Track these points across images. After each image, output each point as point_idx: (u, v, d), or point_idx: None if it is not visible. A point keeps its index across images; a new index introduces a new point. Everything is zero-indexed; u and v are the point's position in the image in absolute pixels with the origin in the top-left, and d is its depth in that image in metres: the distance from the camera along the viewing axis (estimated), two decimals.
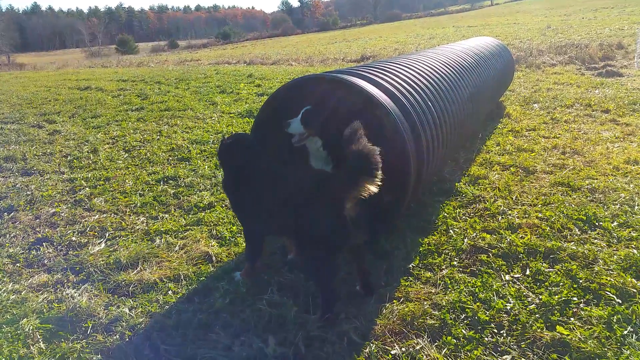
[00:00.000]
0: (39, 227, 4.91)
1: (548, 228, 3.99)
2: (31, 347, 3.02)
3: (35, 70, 31.90)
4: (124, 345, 2.95)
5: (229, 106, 10.93)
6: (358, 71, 4.19)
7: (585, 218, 4.10)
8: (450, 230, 4.06)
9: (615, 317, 2.85)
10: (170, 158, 7.07)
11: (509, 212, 4.34)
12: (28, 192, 5.93)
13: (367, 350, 2.73)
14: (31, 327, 3.19)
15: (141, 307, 3.34)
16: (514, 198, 4.64)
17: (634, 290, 3.07)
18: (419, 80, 4.42)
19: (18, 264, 4.14)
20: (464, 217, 4.33)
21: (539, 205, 4.45)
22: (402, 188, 3.62)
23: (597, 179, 4.97)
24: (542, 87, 10.81)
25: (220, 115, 10.02)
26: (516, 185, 4.98)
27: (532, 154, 5.96)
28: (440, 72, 5.04)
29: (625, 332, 2.72)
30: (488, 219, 4.26)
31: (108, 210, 5.21)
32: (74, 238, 4.57)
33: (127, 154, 7.50)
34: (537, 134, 6.96)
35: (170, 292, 3.51)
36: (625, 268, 3.34)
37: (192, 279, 3.66)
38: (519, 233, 3.93)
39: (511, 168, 5.49)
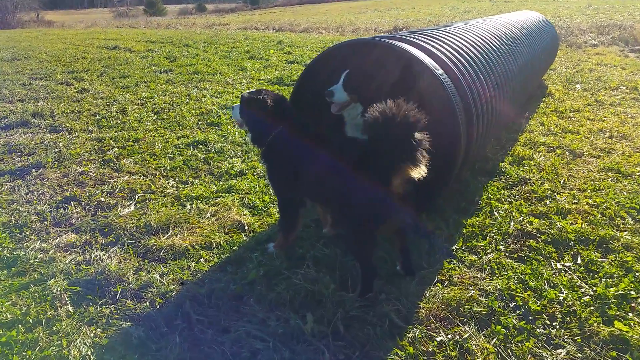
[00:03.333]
0: (67, 186, 4.83)
1: (599, 215, 3.75)
2: (59, 309, 2.93)
3: (64, 28, 31.87)
4: (154, 313, 2.84)
5: (259, 72, 10.70)
6: (405, 37, 3.93)
7: (638, 207, 3.84)
8: (495, 213, 3.85)
9: None
10: (200, 122, 6.92)
11: (557, 196, 4.10)
12: (56, 150, 5.85)
13: (411, 335, 2.58)
14: (59, 288, 3.11)
15: (172, 273, 3.23)
16: (561, 182, 4.38)
17: None
18: (470, 50, 4.15)
19: (46, 222, 4.07)
20: (508, 199, 4.10)
21: (589, 191, 4.19)
22: (448, 167, 3.40)
23: None
24: (584, 67, 10.31)
25: (250, 81, 9.81)
26: (563, 168, 4.71)
27: (578, 136, 5.65)
28: (490, 43, 4.74)
29: None
30: (535, 202, 4.02)
31: (137, 172, 5.10)
32: (102, 199, 4.48)
33: (156, 116, 7.37)
34: (581, 115, 6.61)
35: (202, 259, 3.39)
36: None
37: (225, 247, 3.53)
38: (568, 219, 3.70)
39: (557, 150, 5.20)
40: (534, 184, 4.34)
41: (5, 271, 3.35)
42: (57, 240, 3.77)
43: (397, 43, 3.47)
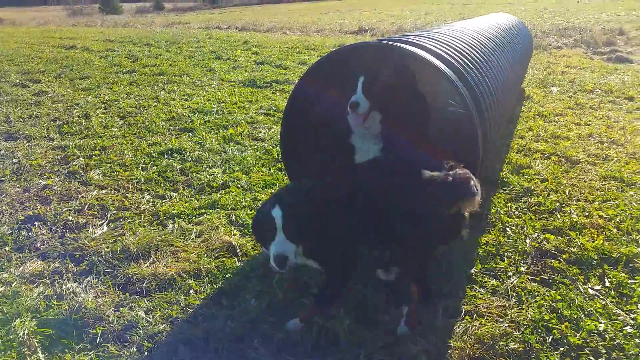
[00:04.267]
0: (29, 203, 4.32)
1: (615, 230, 3.55)
2: (28, 358, 2.49)
3: (15, 26, 30.26)
4: None
5: (228, 73, 10.24)
6: (411, 39, 3.64)
7: None
8: (507, 229, 3.60)
9: None
10: (172, 128, 6.45)
11: (566, 208, 3.89)
12: (14, 160, 5.30)
13: None
14: (26, 331, 2.66)
15: (159, 309, 2.82)
16: (566, 192, 4.18)
17: None
18: (469, 50, 3.90)
19: (6, 247, 3.58)
20: (517, 212, 3.86)
21: (597, 202, 4.00)
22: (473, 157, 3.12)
23: None
24: (555, 69, 10.33)
25: (220, 83, 9.35)
26: (564, 177, 4.52)
27: (569, 142, 5.51)
28: (486, 46, 4.51)
29: None
30: (545, 215, 3.80)
31: (107, 186, 4.62)
32: (70, 218, 4.00)
33: (122, 121, 6.85)
34: (566, 119, 6.50)
35: (192, 291, 2.99)
36: None
37: (217, 275, 3.13)
38: (586, 235, 3.48)
39: (552, 157, 5.03)
40: (540, 195, 4.12)
41: None
42: (20, 269, 3.28)
43: (408, 47, 3.16)
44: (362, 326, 2.60)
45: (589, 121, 6.45)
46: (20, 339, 2.60)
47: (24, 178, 4.84)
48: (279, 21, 27.82)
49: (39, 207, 4.21)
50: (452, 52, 3.59)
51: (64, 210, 4.13)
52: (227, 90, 8.69)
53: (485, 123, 3.30)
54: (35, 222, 3.93)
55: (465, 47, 4.00)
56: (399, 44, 3.16)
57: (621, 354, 2.42)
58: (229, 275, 3.14)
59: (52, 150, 5.64)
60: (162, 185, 4.63)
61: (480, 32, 5.07)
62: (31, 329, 2.67)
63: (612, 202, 4.00)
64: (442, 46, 3.70)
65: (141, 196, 4.40)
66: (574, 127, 6.19)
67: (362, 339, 2.50)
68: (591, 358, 2.40)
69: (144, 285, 3.05)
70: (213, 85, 9.17)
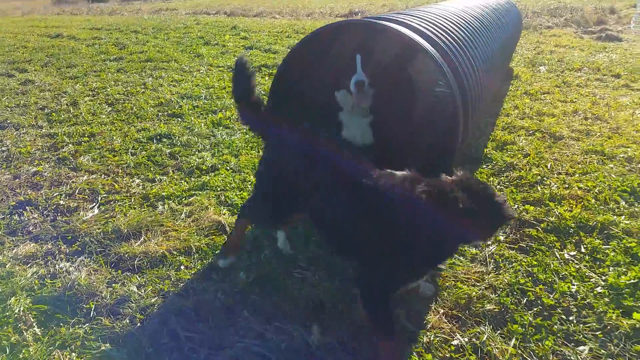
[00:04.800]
0: (20, 189, 4.36)
1: (593, 200, 3.67)
2: (24, 332, 2.57)
3: None
4: (136, 332, 2.53)
5: (217, 59, 10.23)
6: (392, 17, 3.70)
7: (630, 190, 3.79)
8: None
9: None
10: (160, 113, 6.48)
11: (547, 181, 4.00)
12: (3, 148, 5.32)
13: (425, 339, 2.38)
14: (22, 308, 2.74)
15: (151, 284, 2.90)
16: (548, 166, 4.29)
17: None
18: (455, 30, 3.97)
19: None
20: (499, 186, 3.97)
21: (577, 175, 4.12)
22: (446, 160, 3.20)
23: (629, 147, 4.66)
24: (545, 49, 10.41)
25: (209, 68, 9.35)
26: (546, 152, 4.63)
27: (554, 119, 5.61)
28: (472, 25, 4.58)
29: None
30: (526, 188, 3.91)
31: (97, 171, 4.67)
32: (61, 202, 4.06)
33: (110, 108, 6.86)
34: (552, 97, 6.60)
35: (182, 267, 3.07)
36: None
37: (206, 252, 3.22)
38: (564, 206, 3.59)
39: (537, 133, 5.13)
40: (522, 169, 4.23)
41: None
42: (14, 251, 3.35)
43: (391, 25, 3.22)
44: (346, 296, 2.70)
45: (575, 98, 6.55)
46: (16, 315, 2.69)
47: (13, 165, 4.87)
48: (269, 5, 27.59)
49: (29, 192, 4.26)
50: (437, 31, 3.65)
51: (55, 195, 4.18)
52: (215, 75, 8.70)
53: (467, 104, 3.37)
54: (27, 207, 3.99)
55: (451, 25, 4.06)
56: (383, 22, 3.22)
57: (590, 311, 2.54)
58: (219, 251, 3.22)
59: (41, 138, 5.66)
60: (152, 169, 4.69)
61: (467, 11, 5.12)
62: (26, 306, 2.75)
63: (592, 175, 4.11)
64: (427, 24, 3.75)
65: (131, 180, 4.45)
66: (559, 104, 6.28)
67: (347, 305, 2.60)
68: (563, 316, 2.52)
69: (135, 262, 3.13)
70: (201, 71, 9.17)
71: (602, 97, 6.55)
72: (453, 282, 2.79)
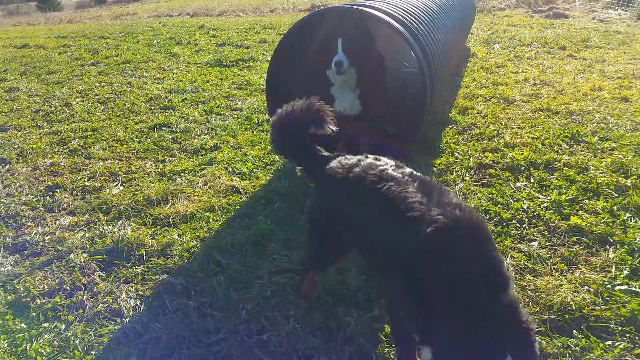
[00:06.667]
0: (43, 177, 4.86)
1: (540, 145, 4.45)
2: (92, 275, 3.16)
3: None
4: (186, 265, 3.15)
5: (192, 57, 10.74)
6: (371, 3, 4.39)
7: (570, 135, 4.59)
8: (455, 153, 4.45)
9: (615, 206, 3.35)
10: (153, 107, 7.01)
11: (502, 134, 4.77)
12: (15, 145, 5.78)
13: None
14: (82, 260, 3.31)
15: (189, 232, 3.52)
16: (503, 123, 5.07)
17: (627, 185, 3.59)
18: (418, 12, 4.69)
19: (38, 210, 4.16)
20: (463, 141, 4.72)
21: (527, 128, 4.91)
22: (418, 118, 3.93)
23: (571, 104, 5.49)
24: (498, 29, 11.32)
25: (187, 66, 9.86)
26: (501, 113, 5.41)
27: (508, 87, 6.42)
28: (430, 8, 5.31)
29: (626, 217, 3.22)
30: (485, 141, 4.67)
31: (110, 157, 5.21)
32: (86, 183, 4.59)
33: (103, 106, 7.33)
34: (506, 69, 7.43)
35: (211, 220, 3.70)
36: (614, 170, 3.86)
37: (228, 208, 3.85)
38: (517, 150, 4.37)
39: (493, 99, 5.92)
40: (481, 127, 5.00)
41: (17, 255, 3.47)
42: (57, 223, 3.89)
43: (372, 11, 3.92)
44: None
45: (525, 69, 7.40)
46: (79, 265, 3.27)
47: (29, 159, 5.35)
48: (230, 4, 27.94)
49: (53, 178, 4.77)
50: (404, 14, 4.35)
51: (79, 179, 4.71)
52: (196, 71, 9.23)
53: (434, 80, 4.09)
54: (56, 190, 4.51)
55: (413, 9, 4.78)
56: (362, 8, 3.90)
57: (539, 220, 3.30)
58: (239, 207, 3.86)
59: (46, 136, 6.12)
60: (160, 152, 5.25)
61: None
62: (86, 258, 3.33)
63: (540, 127, 4.91)
64: (396, 9, 4.45)
65: (143, 163, 5.02)
66: (512, 75, 7.12)
67: None
68: (517, 225, 3.27)
69: (170, 220, 3.74)
70: (180, 69, 9.67)
71: (550, 66, 7.41)
72: None
